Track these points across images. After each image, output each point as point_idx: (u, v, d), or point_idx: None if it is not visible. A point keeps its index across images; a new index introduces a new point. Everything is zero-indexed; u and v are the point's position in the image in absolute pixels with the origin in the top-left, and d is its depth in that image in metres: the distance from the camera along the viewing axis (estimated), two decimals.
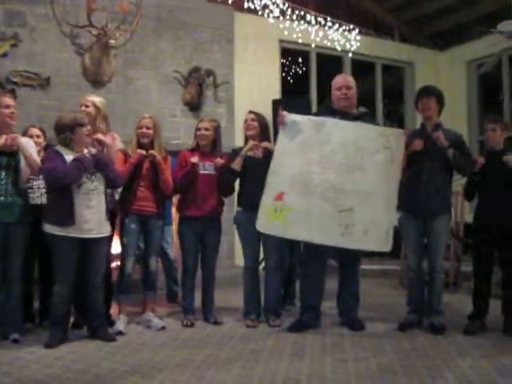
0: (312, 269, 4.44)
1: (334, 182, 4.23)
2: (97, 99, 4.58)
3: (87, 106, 4.48)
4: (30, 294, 4.44)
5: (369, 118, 4.60)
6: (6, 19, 6.17)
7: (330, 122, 4.33)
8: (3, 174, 3.98)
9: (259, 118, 4.68)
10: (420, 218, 4.37)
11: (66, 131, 3.98)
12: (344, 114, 4.42)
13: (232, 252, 6.99)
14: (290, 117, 4.37)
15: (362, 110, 4.56)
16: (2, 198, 3.95)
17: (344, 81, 4.53)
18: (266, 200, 4.26)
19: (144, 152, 4.41)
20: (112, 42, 6.36)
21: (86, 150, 4.02)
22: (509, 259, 4.35)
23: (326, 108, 4.69)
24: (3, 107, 4.04)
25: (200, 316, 4.70)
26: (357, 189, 4.22)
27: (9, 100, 4.10)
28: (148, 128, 4.50)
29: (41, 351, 3.78)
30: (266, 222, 4.26)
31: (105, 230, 4.09)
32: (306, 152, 4.29)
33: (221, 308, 4.94)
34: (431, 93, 4.50)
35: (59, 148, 4.02)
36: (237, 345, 3.98)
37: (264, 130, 4.67)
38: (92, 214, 3.96)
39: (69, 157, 3.93)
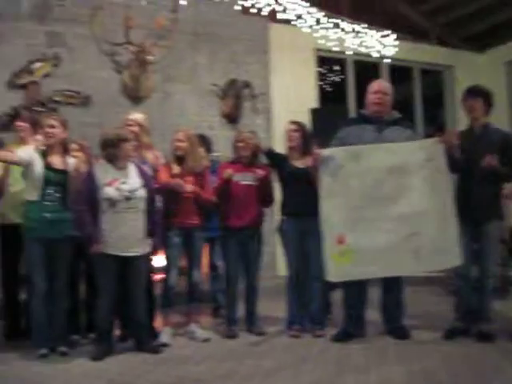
0: None
1: (390, 211, 4.13)
2: (138, 116, 4.65)
3: (130, 125, 4.54)
4: (76, 308, 4.52)
5: (403, 122, 4.51)
6: (47, 40, 6.38)
7: (366, 148, 4.22)
8: (52, 190, 4.07)
9: (301, 128, 4.67)
10: (472, 223, 4.26)
11: (109, 147, 4.06)
12: (377, 121, 4.37)
13: (274, 262, 6.97)
14: (326, 153, 4.27)
15: (396, 115, 4.48)
16: (49, 215, 4.03)
17: (381, 86, 4.47)
18: (328, 247, 4.16)
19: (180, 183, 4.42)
20: (150, 58, 6.48)
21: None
22: None
23: (358, 116, 4.64)
24: (47, 127, 4.15)
25: (243, 327, 4.69)
26: (414, 211, 4.11)
27: (50, 120, 4.20)
28: (180, 141, 4.53)
29: (87, 364, 3.85)
30: (336, 270, 4.17)
31: (143, 247, 4.11)
32: (352, 187, 4.19)
33: (264, 318, 4.92)
34: (477, 93, 4.37)
35: (99, 166, 4.10)
36: (281, 355, 3.96)
37: (306, 140, 4.65)
38: (129, 232, 4.00)
39: (104, 180, 3.98)
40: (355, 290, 4.41)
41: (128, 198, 3.99)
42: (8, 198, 4.54)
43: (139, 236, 4.06)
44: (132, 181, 4.06)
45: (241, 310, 4.74)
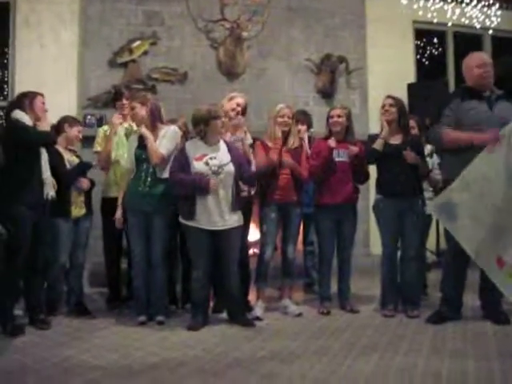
0: (455, 260, 4.23)
1: None
2: (242, 100, 4.66)
3: (238, 106, 4.58)
4: (173, 278, 4.68)
5: (505, 100, 4.24)
6: (145, 19, 6.58)
7: (468, 172, 3.95)
8: (144, 166, 4.23)
9: (397, 103, 4.54)
10: None
11: (200, 124, 4.13)
12: (485, 97, 4.16)
13: (367, 240, 6.90)
14: (439, 202, 4.09)
15: (497, 91, 4.25)
16: (141, 188, 4.20)
17: (486, 58, 4.26)
18: (497, 278, 3.92)
19: None
20: (245, 34, 6.49)
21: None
22: None
23: (461, 90, 4.43)
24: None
25: (336, 304, 4.68)
26: None
27: (132, 104, 4.37)
28: (289, 118, 4.52)
29: (184, 333, 3.98)
30: None
31: (232, 221, 4.13)
32: (479, 212, 3.93)
33: (356, 296, 4.89)
34: None
35: (191, 142, 4.20)
36: (374, 334, 3.91)
37: (402, 115, 4.52)
38: (217, 207, 4.06)
39: (194, 155, 4.07)
40: (453, 271, 4.27)
41: (216, 173, 4.04)
42: (110, 172, 4.77)
43: (228, 210, 4.10)
44: (221, 156, 4.11)
45: (334, 287, 4.73)
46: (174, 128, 4.36)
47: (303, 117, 5.16)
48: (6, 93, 6.71)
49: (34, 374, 3.13)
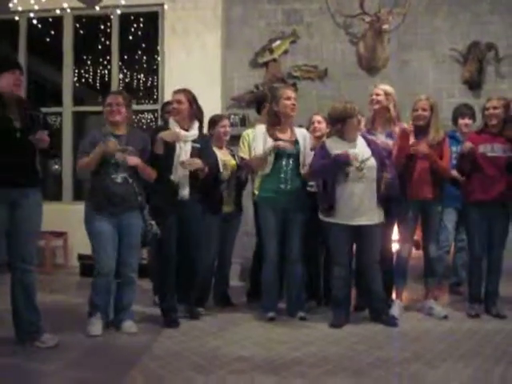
0: None
1: None
2: (386, 87, 4.60)
3: (378, 95, 4.51)
4: (316, 275, 4.69)
5: None
6: (285, 18, 6.69)
7: None
8: (284, 162, 4.24)
9: None
10: None
11: (337, 123, 4.11)
12: None
13: None
14: None
15: None
16: (283, 186, 4.23)
17: None
18: None
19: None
20: (385, 26, 6.34)
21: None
22: None
23: None
24: (284, 98, 4.29)
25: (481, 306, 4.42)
26: None
27: (290, 92, 4.35)
28: (424, 110, 4.36)
29: (326, 330, 3.99)
30: None
31: (375, 217, 4.07)
32: None
33: (505, 300, 4.54)
34: None
35: (330, 141, 4.16)
36: None
37: None
38: (360, 202, 4.00)
39: (334, 152, 4.03)
40: None
41: (359, 169, 3.99)
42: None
43: (371, 205, 4.05)
44: (361, 151, 4.06)
45: None
46: None
47: (468, 110, 5.03)
48: (155, 97, 7.14)
49: (184, 361, 3.32)
